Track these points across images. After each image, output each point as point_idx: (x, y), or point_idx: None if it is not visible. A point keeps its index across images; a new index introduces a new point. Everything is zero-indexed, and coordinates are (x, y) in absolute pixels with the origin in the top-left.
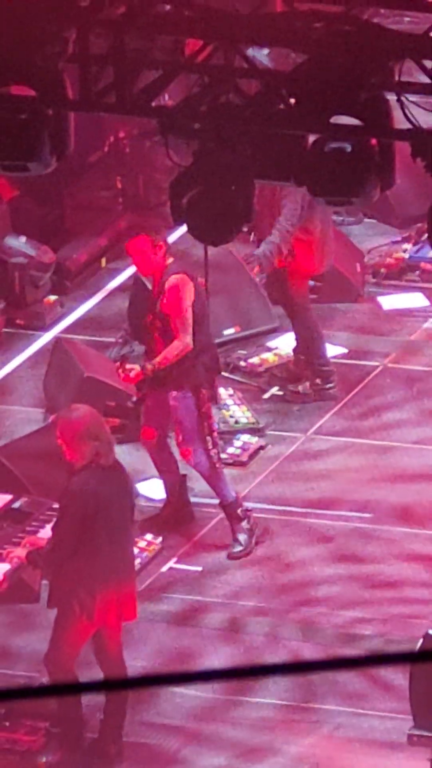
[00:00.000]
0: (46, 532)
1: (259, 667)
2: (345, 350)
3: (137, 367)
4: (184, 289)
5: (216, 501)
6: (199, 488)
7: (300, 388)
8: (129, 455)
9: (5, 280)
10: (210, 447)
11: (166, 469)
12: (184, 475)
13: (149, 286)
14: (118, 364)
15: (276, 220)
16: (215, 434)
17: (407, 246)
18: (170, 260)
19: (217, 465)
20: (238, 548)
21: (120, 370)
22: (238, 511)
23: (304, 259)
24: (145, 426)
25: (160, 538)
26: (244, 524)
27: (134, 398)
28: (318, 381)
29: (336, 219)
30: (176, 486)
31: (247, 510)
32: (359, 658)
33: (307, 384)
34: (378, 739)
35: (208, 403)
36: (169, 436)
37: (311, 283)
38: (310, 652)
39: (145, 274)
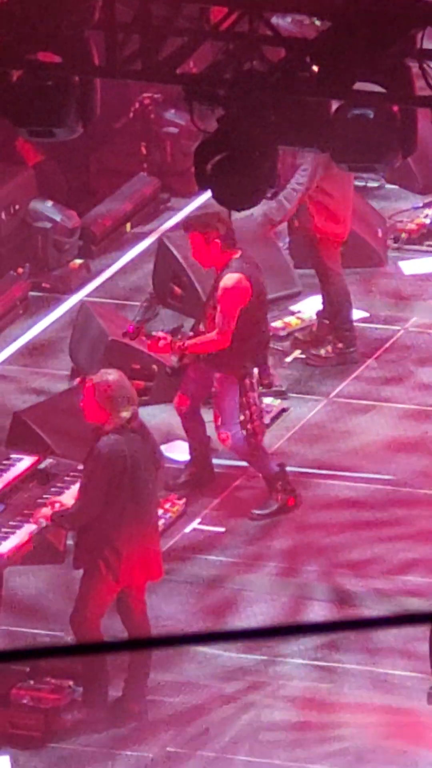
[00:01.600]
0: (71, 494)
1: (282, 627)
2: (366, 314)
3: (167, 338)
4: (237, 293)
5: (238, 463)
6: (222, 449)
7: (322, 351)
8: (153, 417)
9: (32, 245)
10: (249, 435)
11: (194, 434)
12: (209, 438)
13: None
14: (137, 326)
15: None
16: (256, 423)
17: (428, 211)
18: (236, 255)
19: (255, 452)
20: (263, 511)
21: (144, 336)
22: (278, 484)
23: (328, 223)
24: (181, 394)
25: (183, 499)
26: (281, 497)
27: (173, 365)
28: (340, 345)
29: (358, 185)
30: (201, 449)
31: (288, 485)
32: (381, 618)
33: (329, 347)
34: (399, 697)
35: (251, 393)
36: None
37: None
38: (331, 612)
39: (205, 266)
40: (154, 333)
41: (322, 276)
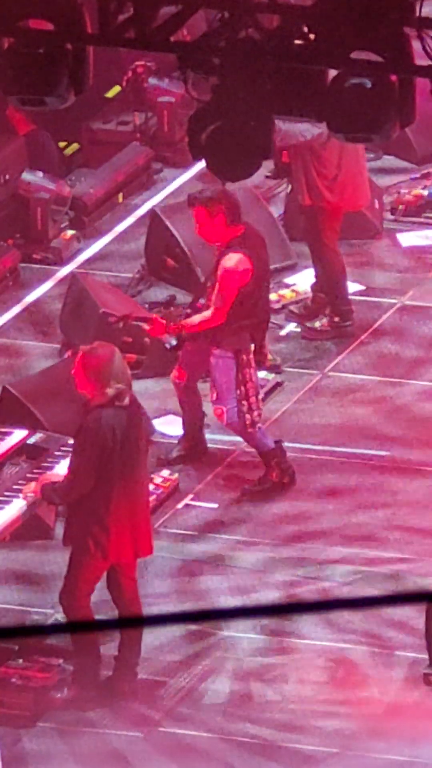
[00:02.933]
0: (61, 468)
1: (276, 606)
2: (363, 287)
3: (163, 322)
4: (237, 272)
5: (232, 438)
6: (216, 425)
7: (318, 324)
8: (146, 391)
9: (23, 215)
10: (245, 410)
11: (189, 408)
12: (204, 413)
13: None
14: (122, 317)
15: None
16: (252, 400)
17: (426, 183)
18: (240, 232)
19: (250, 429)
20: (257, 488)
21: (160, 317)
22: (274, 461)
23: (335, 192)
24: (179, 368)
25: (176, 475)
26: (276, 474)
27: (172, 343)
28: (336, 319)
29: None
30: (196, 423)
31: (284, 462)
32: (376, 597)
33: (325, 321)
34: (394, 678)
35: (247, 369)
36: (206, 381)
37: None
38: (326, 590)
39: (209, 242)
40: (152, 316)
41: (317, 250)
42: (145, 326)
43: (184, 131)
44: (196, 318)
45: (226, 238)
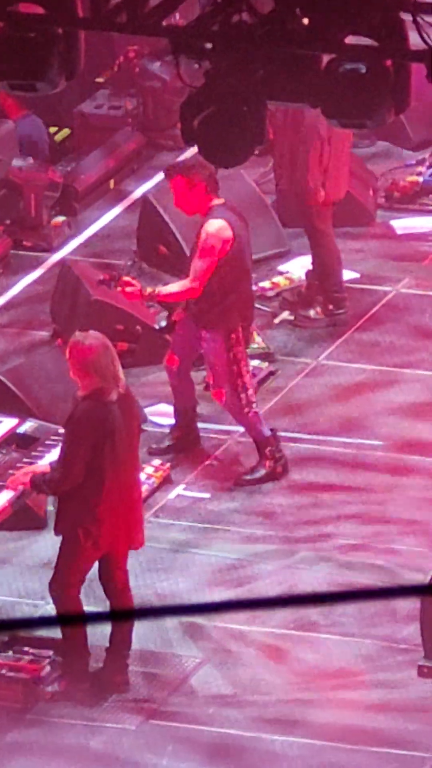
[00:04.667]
0: (52, 458)
1: (268, 599)
2: (357, 275)
3: (136, 285)
4: (217, 239)
5: (225, 427)
6: (208, 413)
7: (311, 313)
8: (137, 379)
9: (13, 202)
10: (239, 390)
11: (182, 395)
12: (196, 401)
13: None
14: (108, 275)
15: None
16: (246, 378)
17: (421, 169)
18: (217, 201)
19: (246, 409)
20: (249, 477)
21: (113, 283)
22: (267, 450)
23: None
24: (171, 352)
25: (168, 464)
26: (269, 463)
27: (161, 324)
28: (330, 306)
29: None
30: (188, 412)
31: (278, 452)
32: (371, 589)
33: (319, 309)
34: (390, 670)
35: (237, 347)
36: (198, 369)
37: None
38: (319, 582)
39: (188, 214)
40: (124, 278)
41: (312, 237)
42: (127, 289)
43: (169, 116)
44: (173, 286)
45: (204, 209)
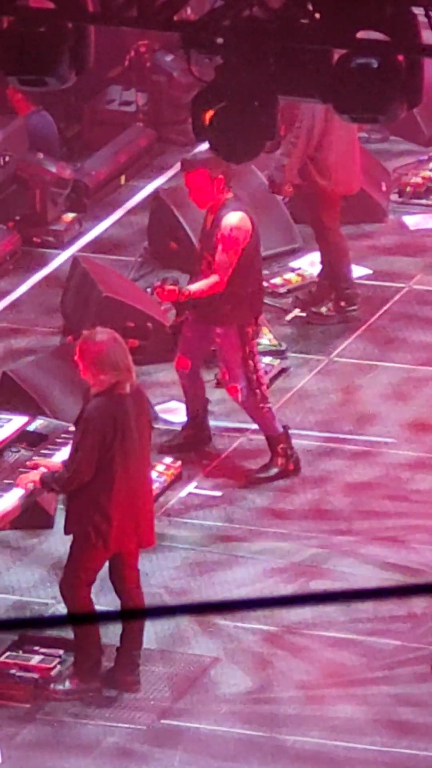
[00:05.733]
0: (62, 456)
1: (282, 597)
2: (369, 271)
3: (175, 289)
4: (241, 231)
5: (236, 425)
6: (219, 411)
7: (323, 309)
8: (149, 377)
9: (24, 198)
10: (255, 386)
11: (193, 396)
12: (207, 399)
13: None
14: (159, 281)
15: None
16: (260, 374)
17: None
18: (230, 195)
19: (262, 404)
20: (261, 475)
21: (159, 287)
22: (279, 447)
23: (326, 180)
24: (180, 355)
25: (179, 462)
26: (281, 461)
27: (172, 323)
28: (342, 303)
29: (361, 137)
30: (199, 410)
31: (290, 449)
32: (386, 588)
33: (331, 305)
34: (404, 670)
35: (252, 342)
36: (209, 366)
37: None
38: (332, 579)
39: (202, 207)
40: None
41: (319, 234)
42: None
43: (179, 111)
44: (201, 283)
45: (217, 203)
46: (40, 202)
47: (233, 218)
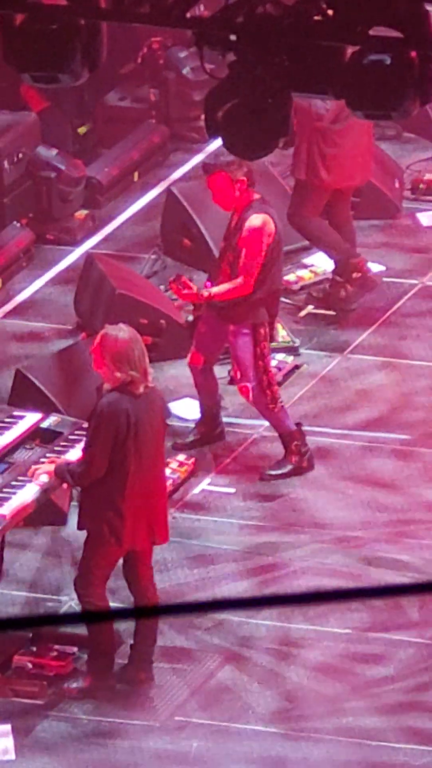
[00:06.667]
0: (75, 453)
1: (295, 595)
2: (383, 268)
3: (194, 288)
4: (264, 233)
5: (250, 422)
6: (233, 408)
7: (342, 293)
8: (162, 373)
9: (37, 194)
10: (265, 386)
11: (206, 392)
12: (221, 396)
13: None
14: (173, 277)
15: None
16: (270, 374)
17: None
18: (256, 196)
19: (272, 405)
20: (276, 472)
21: (175, 283)
22: (293, 444)
23: (333, 172)
24: (194, 351)
25: (192, 459)
26: (295, 458)
27: (188, 318)
28: (356, 275)
29: (374, 133)
30: (212, 407)
31: (304, 446)
32: (398, 585)
33: (348, 286)
34: (415, 669)
35: (264, 343)
36: (222, 363)
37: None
38: (344, 577)
39: (227, 209)
40: (183, 279)
41: (296, 223)
42: (184, 291)
43: (192, 108)
44: (226, 285)
45: (241, 205)
46: (49, 199)
47: (257, 220)
